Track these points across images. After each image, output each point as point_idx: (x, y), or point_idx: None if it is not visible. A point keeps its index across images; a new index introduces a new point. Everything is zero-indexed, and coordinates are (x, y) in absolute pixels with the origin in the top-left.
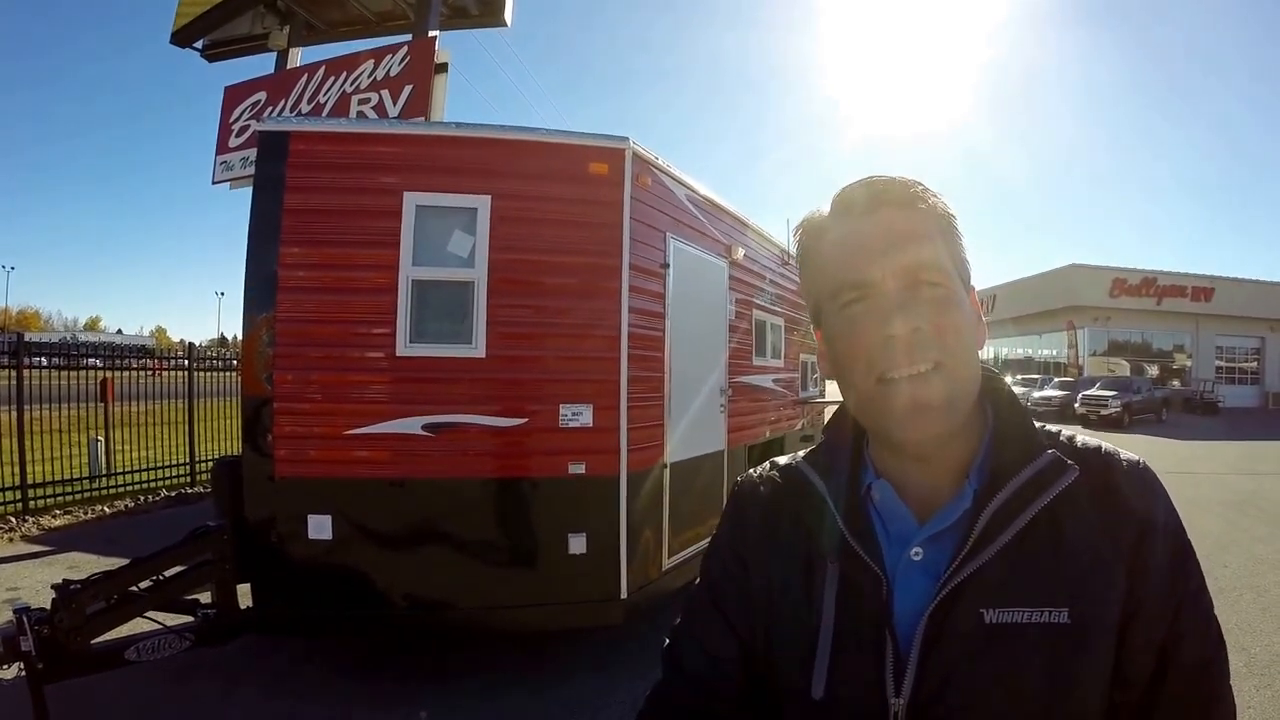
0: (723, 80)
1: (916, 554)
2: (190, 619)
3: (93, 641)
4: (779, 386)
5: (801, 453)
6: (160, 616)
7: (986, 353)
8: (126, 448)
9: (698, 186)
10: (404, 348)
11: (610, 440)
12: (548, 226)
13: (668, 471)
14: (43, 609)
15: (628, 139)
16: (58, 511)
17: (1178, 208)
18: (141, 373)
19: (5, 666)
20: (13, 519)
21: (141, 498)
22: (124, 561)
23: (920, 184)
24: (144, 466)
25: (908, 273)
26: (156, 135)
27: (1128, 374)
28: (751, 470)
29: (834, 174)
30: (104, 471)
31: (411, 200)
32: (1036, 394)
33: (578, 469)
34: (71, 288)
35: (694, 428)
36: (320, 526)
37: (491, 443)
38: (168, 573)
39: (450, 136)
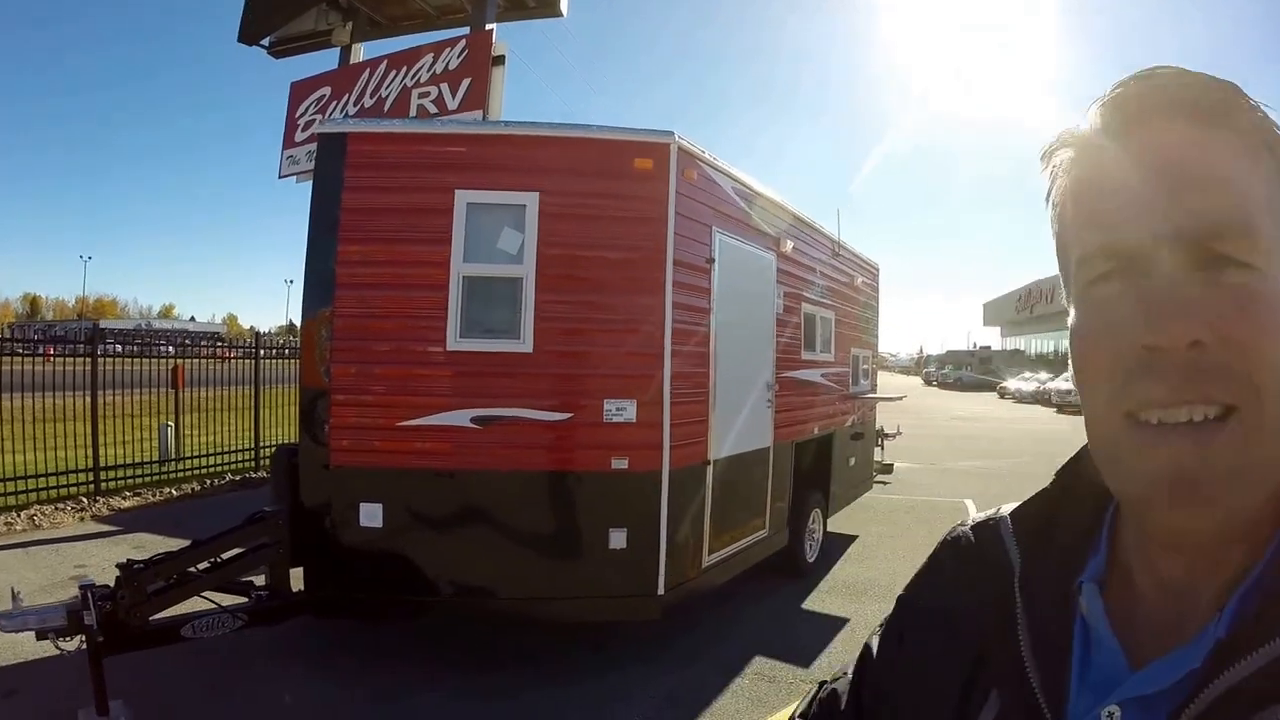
0: (788, 67)
1: (1111, 716)
2: (244, 599)
3: (151, 618)
4: (829, 381)
5: (1014, 503)
6: (216, 596)
7: (1046, 345)
8: (195, 433)
9: (744, 178)
10: (454, 342)
11: (653, 436)
12: (594, 222)
13: (711, 468)
14: (106, 586)
15: (673, 133)
16: (127, 493)
17: None
18: (211, 360)
19: (68, 638)
20: (85, 499)
21: (208, 481)
22: (186, 543)
23: (1233, 86)
24: (210, 451)
25: (1195, 239)
26: (231, 129)
27: None
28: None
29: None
30: (173, 456)
31: (463, 198)
32: None
33: (620, 464)
34: (147, 277)
35: (740, 424)
36: (372, 514)
37: (537, 436)
38: (225, 555)
39: (499, 135)
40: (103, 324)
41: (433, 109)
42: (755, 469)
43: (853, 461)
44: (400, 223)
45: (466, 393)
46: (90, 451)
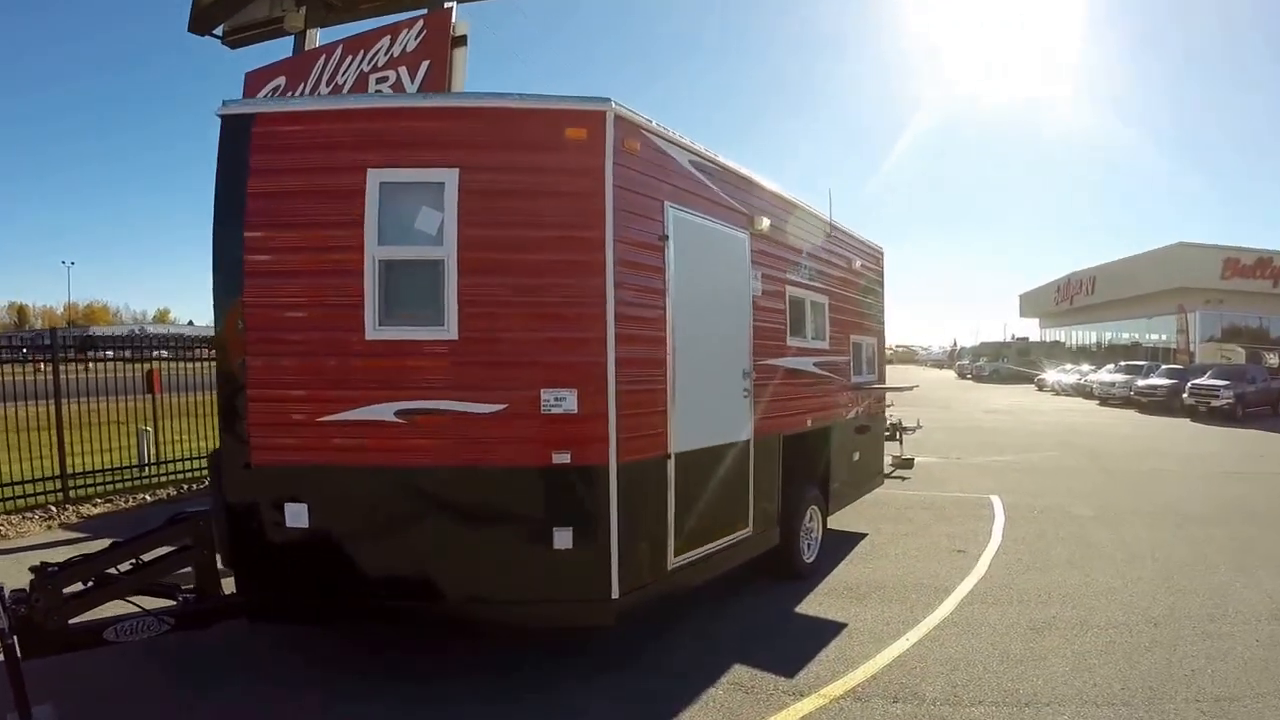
0: (806, 54)
1: None
2: (171, 603)
3: (71, 621)
4: (823, 370)
5: None
6: (147, 602)
7: (1088, 336)
8: (184, 438)
9: (707, 152)
10: (373, 331)
11: (598, 428)
12: (521, 199)
13: (673, 462)
14: (20, 589)
15: (609, 100)
16: (98, 500)
17: None
18: (201, 362)
19: None
20: (53, 507)
21: (185, 486)
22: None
23: None
24: (188, 456)
25: None
26: (206, 127)
27: (1243, 361)
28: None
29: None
30: (151, 461)
31: (375, 177)
32: (1141, 382)
33: (563, 458)
34: (138, 281)
35: (709, 415)
36: (297, 514)
37: (468, 429)
38: (147, 556)
39: (413, 108)
40: (93, 330)
41: (391, 94)
42: (732, 463)
43: (857, 456)
44: (310, 206)
45: (389, 384)
46: (56, 459)
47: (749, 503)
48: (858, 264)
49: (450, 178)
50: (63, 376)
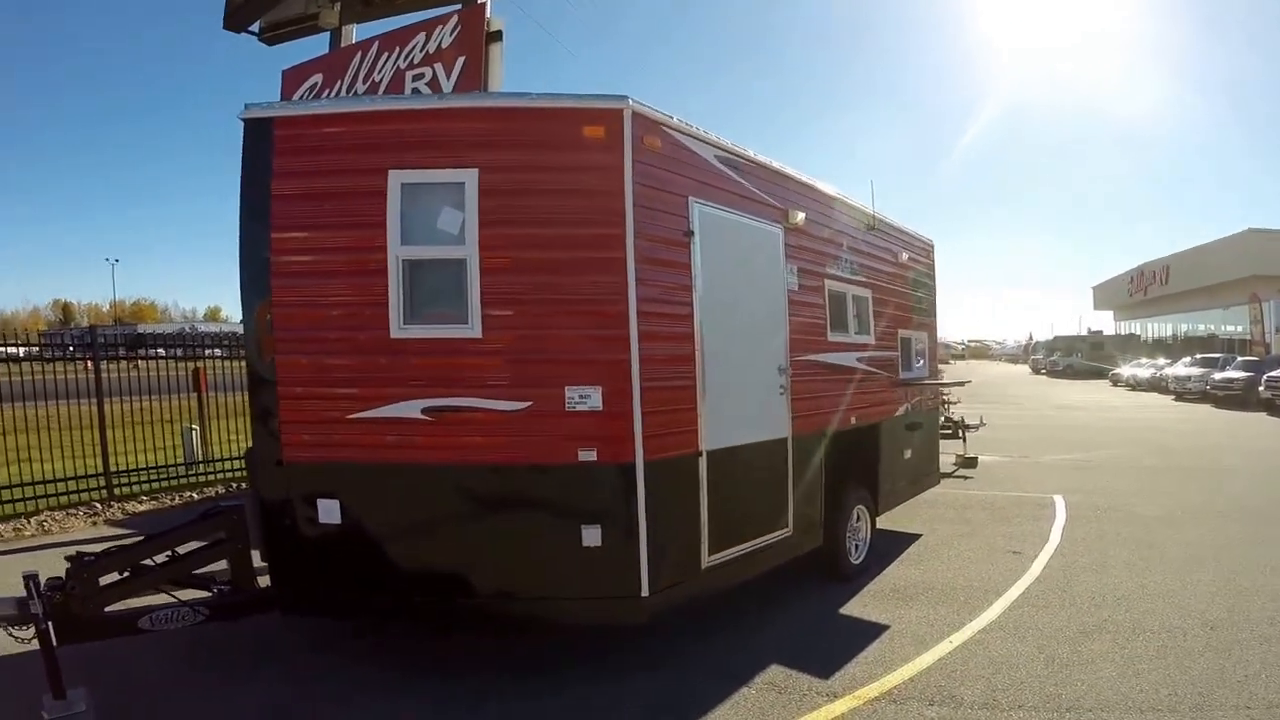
0: (867, 49)
1: None
2: (206, 594)
3: (107, 609)
4: (868, 366)
5: None
6: (184, 594)
7: (1163, 328)
8: (235, 437)
9: (735, 146)
10: (398, 329)
11: (623, 426)
12: (541, 197)
13: (704, 460)
14: (57, 578)
15: (627, 98)
16: (143, 498)
17: None
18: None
19: (24, 628)
20: (98, 504)
21: (233, 485)
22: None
23: None
24: (236, 455)
25: None
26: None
27: None
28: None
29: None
30: (198, 459)
31: (397, 178)
32: (1217, 375)
33: (588, 456)
34: (187, 279)
35: (743, 412)
36: (329, 510)
37: (494, 427)
38: (182, 549)
39: (431, 110)
40: (141, 328)
41: (427, 91)
42: (768, 462)
43: (908, 454)
44: (334, 207)
45: (414, 382)
46: (100, 457)
47: (788, 502)
48: (904, 257)
49: (470, 178)
50: (111, 375)
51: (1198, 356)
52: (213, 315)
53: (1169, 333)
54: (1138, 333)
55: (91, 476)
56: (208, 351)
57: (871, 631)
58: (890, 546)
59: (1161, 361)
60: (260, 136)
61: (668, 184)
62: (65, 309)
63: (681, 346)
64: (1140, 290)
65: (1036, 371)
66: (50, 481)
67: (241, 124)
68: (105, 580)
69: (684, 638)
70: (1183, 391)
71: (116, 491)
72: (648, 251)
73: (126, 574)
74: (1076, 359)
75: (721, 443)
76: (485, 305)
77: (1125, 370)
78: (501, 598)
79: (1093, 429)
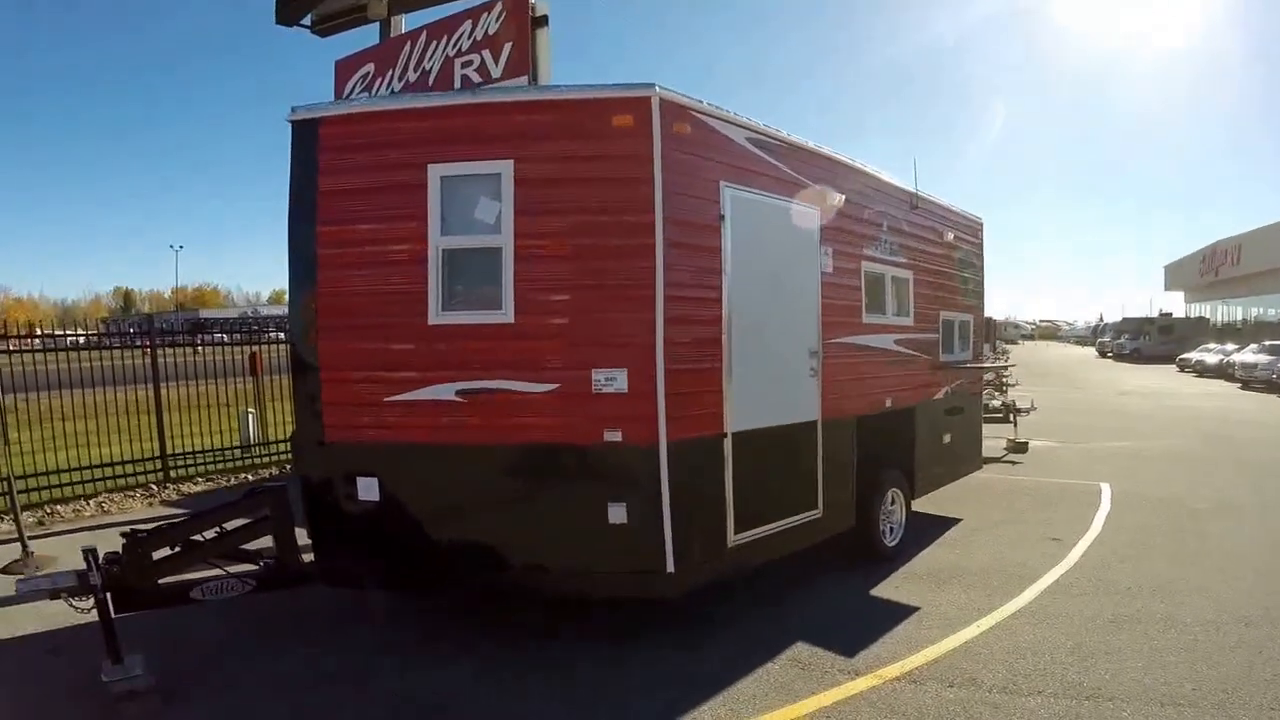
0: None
1: None
2: (253, 566)
3: (160, 581)
4: (906, 349)
5: None
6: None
7: (1234, 311)
8: (291, 419)
9: (766, 128)
10: (435, 316)
11: (647, 406)
12: (574, 186)
13: (730, 441)
14: (114, 552)
15: (654, 86)
16: (199, 479)
17: None
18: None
19: (83, 599)
20: (154, 486)
21: (286, 467)
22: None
23: None
24: (286, 438)
25: None
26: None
27: None
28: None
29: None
30: (255, 442)
31: (436, 172)
32: None
33: (614, 436)
34: (247, 264)
35: (771, 394)
36: (368, 488)
37: (524, 408)
38: (229, 525)
39: (467, 105)
40: (203, 314)
41: (476, 78)
42: (797, 444)
43: (948, 439)
44: (376, 201)
45: (450, 366)
46: (158, 440)
47: (818, 484)
48: (950, 236)
49: (506, 169)
50: (169, 360)
51: (1266, 343)
52: (277, 299)
53: (1239, 316)
54: (1208, 315)
55: (148, 460)
56: (270, 334)
57: (900, 613)
58: (929, 529)
59: (1230, 347)
60: (307, 136)
61: (698, 169)
62: (126, 296)
63: (708, 330)
64: (1211, 271)
65: (1103, 355)
66: (109, 465)
67: (289, 125)
68: (158, 555)
69: (713, 615)
70: (1249, 379)
71: (172, 474)
72: (677, 237)
73: (178, 549)
74: (1144, 342)
75: (748, 424)
76: (519, 292)
77: (1193, 355)
78: (533, 571)
79: (1153, 417)
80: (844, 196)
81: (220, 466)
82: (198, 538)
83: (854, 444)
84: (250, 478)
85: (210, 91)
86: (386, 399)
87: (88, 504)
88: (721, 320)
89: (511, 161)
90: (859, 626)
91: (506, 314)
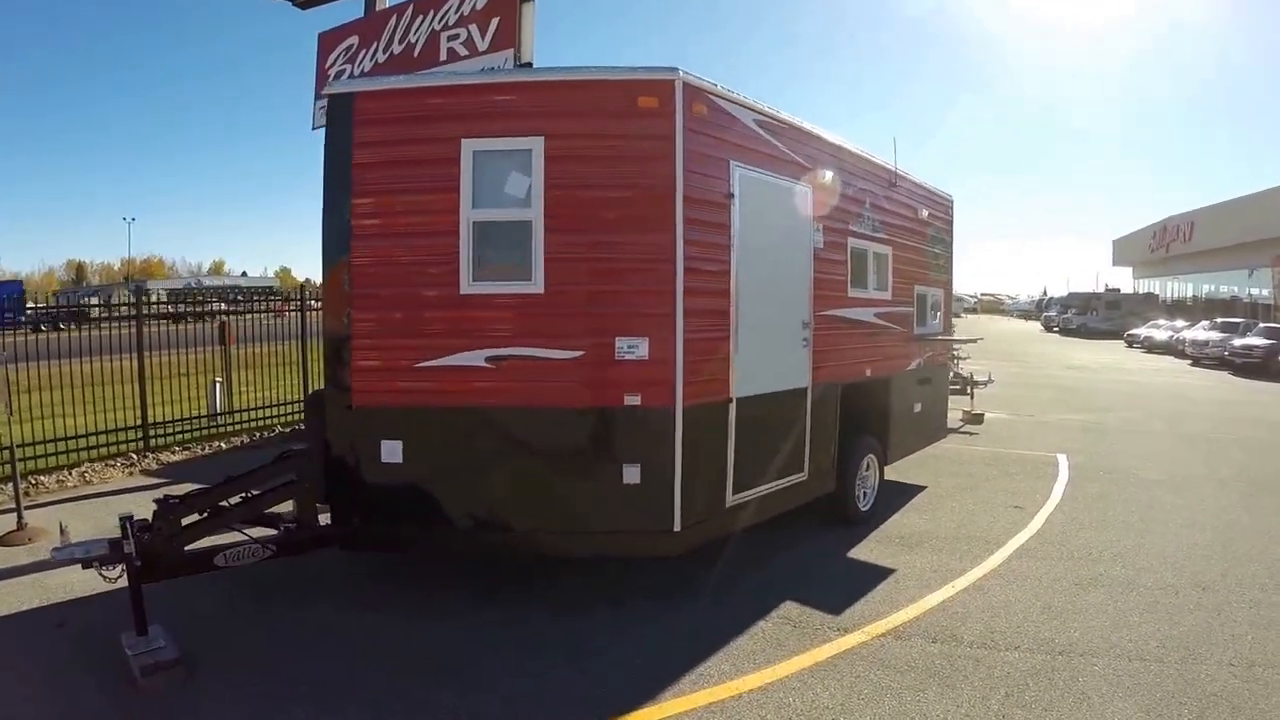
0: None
1: None
2: (274, 532)
3: (186, 548)
4: (885, 321)
5: None
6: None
7: (1184, 288)
8: (250, 388)
9: (769, 110)
10: (467, 286)
11: (665, 372)
12: (600, 163)
13: (734, 406)
14: (145, 519)
15: (677, 69)
16: (177, 448)
17: None
18: (266, 315)
19: (112, 567)
20: (134, 455)
21: (258, 434)
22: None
23: None
24: (258, 405)
25: None
26: (266, 85)
27: None
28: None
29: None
30: (222, 411)
31: (469, 147)
32: (1237, 341)
33: (633, 400)
34: (193, 235)
35: (769, 362)
36: (393, 451)
37: (550, 374)
38: (255, 490)
39: (502, 83)
40: (149, 284)
41: (463, 51)
42: (789, 410)
43: (918, 408)
44: (410, 174)
45: (480, 334)
46: (140, 410)
47: (805, 448)
48: (924, 213)
49: (537, 145)
50: (126, 330)
51: (1217, 320)
52: (217, 269)
53: (1189, 293)
54: (1157, 292)
55: (127, 429)
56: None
57: (878, 574)
58: (896, 496)
59: (1179, 324)
60: (342, 110)
61: (712, 149)
62: (79, 269)
63: (719, 302)
64: (1162, 246)
65: (1049, 329)
66: (89, 435)
67: (325, 99)
68: (186, 521)
69: (702, 576)
70: (1199, 356)
71: (151, 443)
72: (694, 213)
73: (205, 514)
74: (1091, 317)
75: (749, 390)
76: (548, 263)
77: (1141, 331)
78: (550, 532)
79: (1102, 391)
80: (834, 175)
81: (194, 436)
82: (224, 503)
83: (837, 411)
84: (223, 445)
85: (154, 61)
86: (416, 365)
87: (70, 474)
88: (730, 292)
89: (542, 138)
90: (841, 586)
91: (536, 284)
